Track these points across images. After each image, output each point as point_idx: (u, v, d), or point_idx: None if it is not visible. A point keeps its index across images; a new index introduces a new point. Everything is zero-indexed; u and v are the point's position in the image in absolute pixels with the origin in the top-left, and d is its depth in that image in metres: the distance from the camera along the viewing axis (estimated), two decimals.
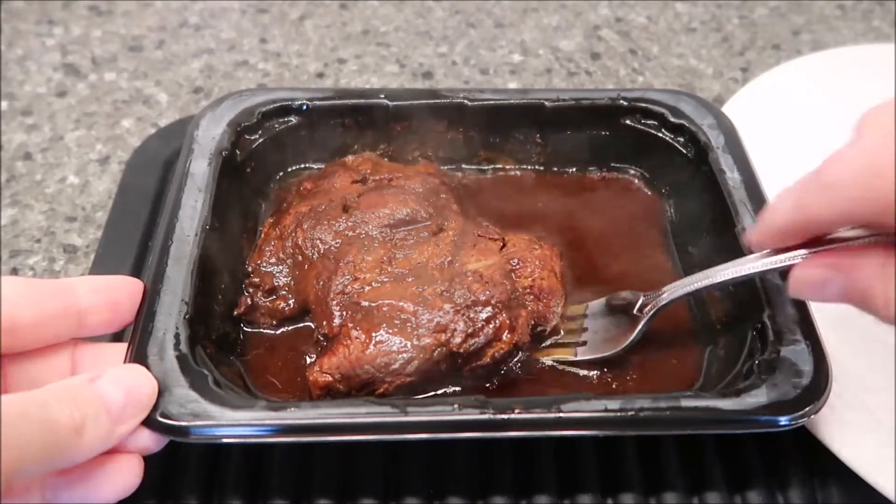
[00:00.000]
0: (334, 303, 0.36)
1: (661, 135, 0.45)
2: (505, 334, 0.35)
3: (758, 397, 0.31)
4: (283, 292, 0.39)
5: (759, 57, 0.64)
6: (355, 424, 0.30)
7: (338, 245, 0.39)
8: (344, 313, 0.35)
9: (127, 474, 0.28)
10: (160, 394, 0.30)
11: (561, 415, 0.30)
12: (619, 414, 0.30)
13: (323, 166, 0.46)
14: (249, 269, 0.40)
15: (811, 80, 0.56)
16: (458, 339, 0.34)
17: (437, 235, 0.39)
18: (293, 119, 0.45)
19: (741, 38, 0.66)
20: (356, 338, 0.34)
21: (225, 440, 0.30)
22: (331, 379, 0.34)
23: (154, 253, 0.36)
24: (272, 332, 0.39)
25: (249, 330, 0.39)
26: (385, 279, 0.36)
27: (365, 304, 0.35)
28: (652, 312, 0.36)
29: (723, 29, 0.67)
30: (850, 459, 0.34)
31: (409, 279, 0.36)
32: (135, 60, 0.62)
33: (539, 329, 0.37)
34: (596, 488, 0.35)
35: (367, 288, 0.36)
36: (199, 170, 0.40)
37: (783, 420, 0.31)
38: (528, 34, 0.66)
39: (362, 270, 0.37)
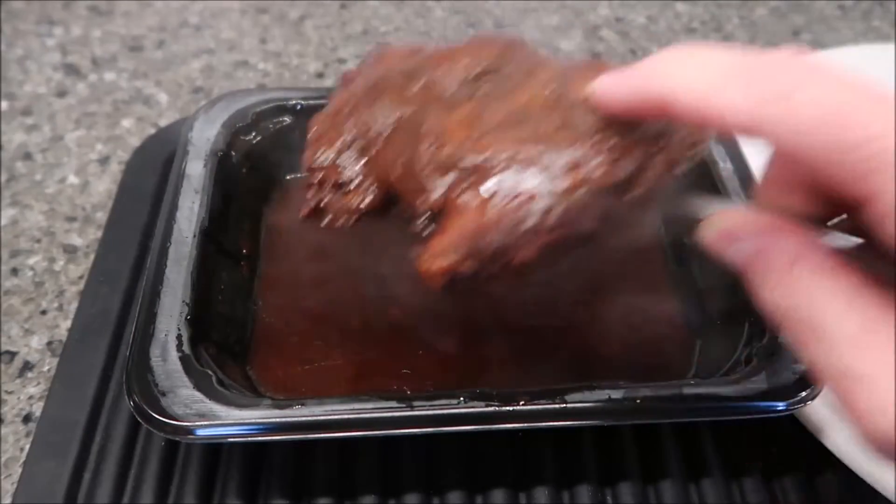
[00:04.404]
0: (427, 172, 0.28)
1: None
2: (657, 157, 0.27)
3: (758, 384, 0.32)
4: (356, 184, 0.32)
5: None
6: (361, 420, 0.30)
7: (412, 113, 0.31)
8: (444, 179, 0.28)
9: None
10: (164, 395, 0.29)
11: (566, 405, 0.30)
12: (623, 403, 0.31)
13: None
14: (305, 171, 0.34)
15: None
16: (599, 172, 0.26)
17: (532, 76, 0.30)
18: (288, 119, 0.44)
19: (741, 38, 0.66)
20: (468, 203, 0.27)
21: (231, 439, 0.30)
22: (451, 261, 0.27)
23: (153, 255, 0.36)
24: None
25: (256, 328, 0.38)
26: (481, 133, 0.28)
27: (468, 161, 0.27)
28: None
29: (723, 29, 0.67)
30: (842, 451, 0.34)
31: (514, 125, 0.28)
32: (135, 60, 0.62)
33: (694, 148, 0.29)
34: (595, 480, 0.35)
35: (464, 145, 0.28)
36: (195, 171, 0.40)
37: (780, 405, 0.31)
38: (528, 34, 0.66)
39: (451, 131, 0.29)
